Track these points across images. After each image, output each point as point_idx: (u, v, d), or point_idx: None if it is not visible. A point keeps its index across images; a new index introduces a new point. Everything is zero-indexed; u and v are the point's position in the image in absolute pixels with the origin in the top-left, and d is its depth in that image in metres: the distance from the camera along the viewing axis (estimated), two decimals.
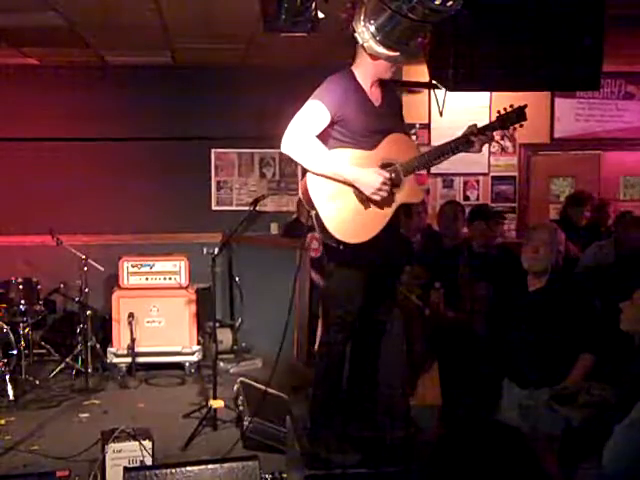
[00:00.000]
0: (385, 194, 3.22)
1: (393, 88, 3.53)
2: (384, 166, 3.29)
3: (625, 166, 7.88)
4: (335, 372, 3.51)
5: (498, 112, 3.44)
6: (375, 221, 3.28)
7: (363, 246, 3.25)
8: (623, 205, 7.65)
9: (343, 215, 3.23)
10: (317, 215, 3.24)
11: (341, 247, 3.25)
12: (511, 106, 3.42)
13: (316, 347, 3.94)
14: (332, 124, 3.25)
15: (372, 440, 3.47)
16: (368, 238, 3.24)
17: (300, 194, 3.38)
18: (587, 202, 6.38)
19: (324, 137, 3.28)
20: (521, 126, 3.43)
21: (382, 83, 3.40)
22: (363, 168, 3.22)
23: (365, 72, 3.33)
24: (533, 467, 1.37)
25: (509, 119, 3.42)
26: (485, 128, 3.40)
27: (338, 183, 3.23)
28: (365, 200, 3.25)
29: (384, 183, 3.20)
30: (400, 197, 3.33)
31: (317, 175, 3.23)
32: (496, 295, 4.32)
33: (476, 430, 1.42)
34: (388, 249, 3.39)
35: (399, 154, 3.34)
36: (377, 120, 3.33)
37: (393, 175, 3.27)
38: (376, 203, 3.27)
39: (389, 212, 3.30)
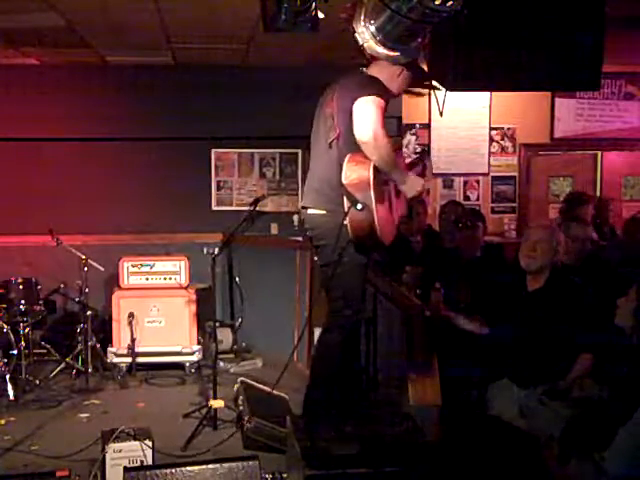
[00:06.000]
0: (420, 197, 3.46)
1: None
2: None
3: (626, 166, 7.88)
4: (335, 371, 3.52)
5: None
6: (394, 227, 3.47)
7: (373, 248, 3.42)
8: (623, 205, 7.67)
9: (385, 217, 3.35)
10: (369, 209, 3.25)
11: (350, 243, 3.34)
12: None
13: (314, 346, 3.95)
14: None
15: (371, 439, 3.47)
16: (390, 242, 3.40)
17: (350, 185, 3.32)
18: (591, 200, 6.41)
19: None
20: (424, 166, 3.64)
21: None
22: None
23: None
24: (534, 464, 1.37)
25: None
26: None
27: (384, 186, 3.37)
28: (390, 207, 3.42)
29: (423, 186, 3.40)
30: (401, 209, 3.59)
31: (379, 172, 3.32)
32: (495, 296, 4.31)
33: (477, 428, 1.42)
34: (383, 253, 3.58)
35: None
36: None
37: None
38: (392, 211, 3.42)
39: (397, 220, 3.50)
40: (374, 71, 3.42)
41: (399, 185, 3.38)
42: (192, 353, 6.21)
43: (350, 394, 3.68)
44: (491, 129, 7.42)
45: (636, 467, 2.64)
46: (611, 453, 2.74)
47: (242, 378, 5.11)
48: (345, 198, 3.30)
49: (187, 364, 6.20)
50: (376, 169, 3.28)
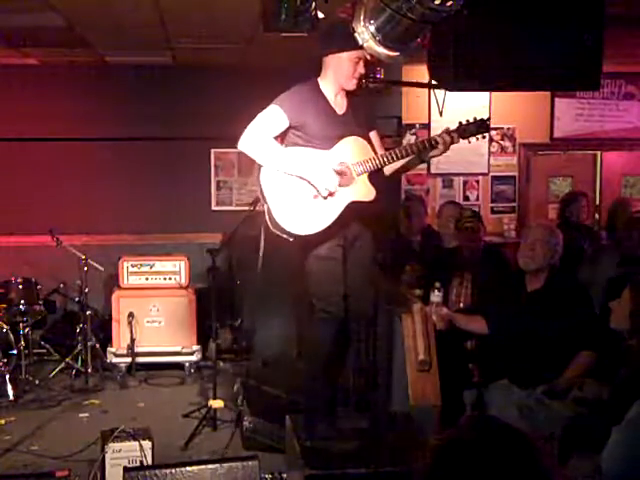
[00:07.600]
0: (334, 190, 3.40)
1: (367, 98, 3.70)
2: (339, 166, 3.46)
3: (625, 166, 7.88)
4: (322, 367, 3.54)
5: (460, 123, 3.62)
6: (324, 215, 3.43)
7: (319, 239, 3.43)
8: None
9: (293, 208, 3.40)
10: (269, 209, 3.40)
11: (291, 239, 3.41)
12: (474, 118, 3.63)
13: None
14: (292, 128, 3.48)
15: (371, 438, 3.47)
16: (316, 231, 3.41)
17: (257, 190, 3.52)
18: (582, 198, 6.37)
19: (284, 139, 3.52)
20: (484, 137, 3.58)
21: (352, 93, 3.55)
22: (317, 166, 3.40)
23: (328, 83, 3.52)
24: (533, 466, 1.37)
25: (467, 130, 3.61)
26: (441, 136, 3.58)
27: (290, 177, 3.41)
28: (316, 195, 3.42)
29: (334, 181, 3.40)
30: (351, 195, 3.48)
31: (271, 170, 3.43)
32: (495, 296, 4.32)
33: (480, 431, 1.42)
34: (349, 242, 3.53)
35: (353, 155, 3.50)
36: (338, 127, 3.50)
37: (344, 171, 3.45)
38: (326, 198, 3.43)
39: (339, 207, 3.45)
40: (321, 76, 3.55)
41: (311, 182, 3.40)
42: (192, 353, 6.21)
43: (348, 394, 3.68)
44: (491, 129, 7.42)
45: (631, 468, 2.64)
46: (606, 453, 2.74)
47: (242, 378, 5.11)
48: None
49: (187, 364, 6.20)
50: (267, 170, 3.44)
